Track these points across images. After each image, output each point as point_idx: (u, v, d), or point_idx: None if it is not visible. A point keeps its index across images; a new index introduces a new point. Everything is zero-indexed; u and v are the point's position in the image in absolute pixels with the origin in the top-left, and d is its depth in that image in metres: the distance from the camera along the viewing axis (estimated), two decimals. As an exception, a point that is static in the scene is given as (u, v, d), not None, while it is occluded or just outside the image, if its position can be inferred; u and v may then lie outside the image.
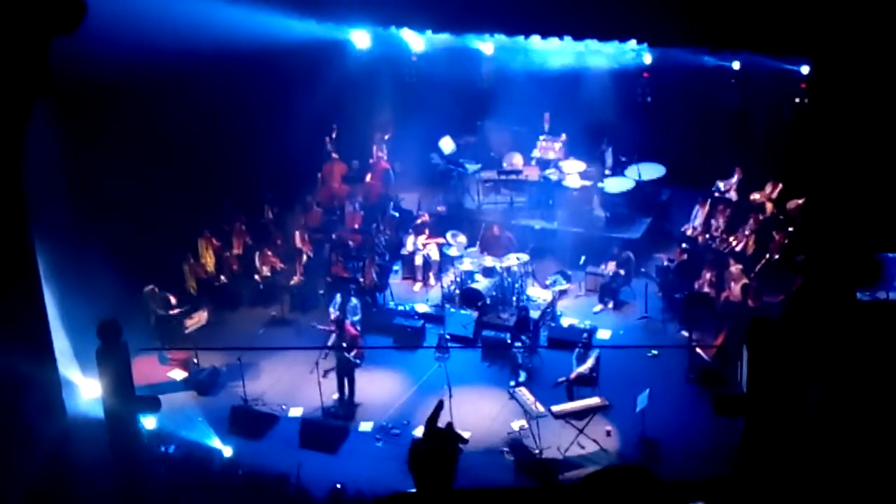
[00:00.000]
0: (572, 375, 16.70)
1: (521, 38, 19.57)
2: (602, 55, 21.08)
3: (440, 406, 4.89)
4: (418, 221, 21.18)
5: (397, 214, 21.74)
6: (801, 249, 18.03)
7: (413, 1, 17.68)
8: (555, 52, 21.10)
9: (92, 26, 16.14)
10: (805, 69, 19.40)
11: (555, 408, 16.19)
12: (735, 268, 18.40)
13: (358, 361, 17.26)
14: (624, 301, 19.54)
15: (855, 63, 14.05)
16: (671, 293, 19.11)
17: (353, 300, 18.73)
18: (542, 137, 22.22)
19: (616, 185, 21.29)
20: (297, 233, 20.62)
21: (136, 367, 17.47)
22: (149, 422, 16.08)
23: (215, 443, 16.09)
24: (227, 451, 15.94)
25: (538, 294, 19.45)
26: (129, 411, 11.52)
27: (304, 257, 20.29)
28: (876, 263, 14.44)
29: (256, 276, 20.03)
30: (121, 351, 11.20)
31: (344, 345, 17.05)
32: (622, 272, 19.48)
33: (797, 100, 19.88)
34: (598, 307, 19.32)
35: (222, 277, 19.92)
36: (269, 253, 20.21)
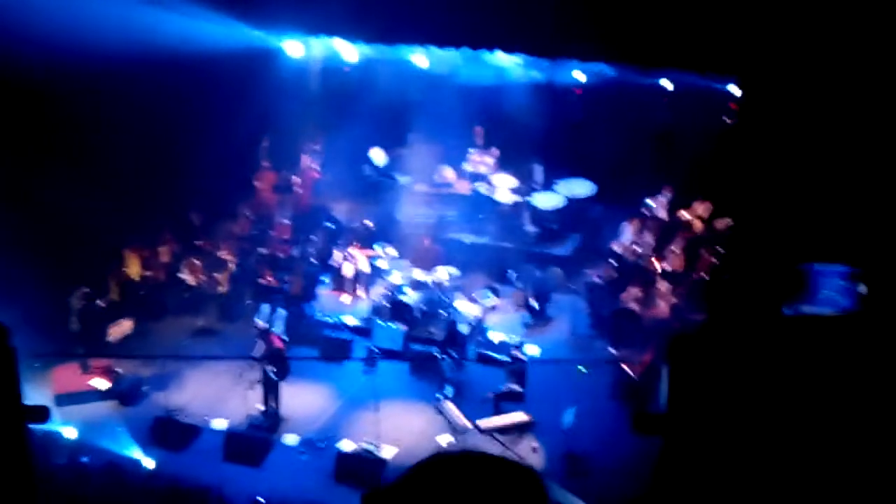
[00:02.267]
0: (500, 391, 16.68)
1: (452, 50, 19.55)
2: (534, 70, 21.17)
3: None
4: (356, 226, 21.06)
5: (332, 226, 21.61)
6: (727, 268, 18.22)
7: (344, 11, 17.59)
8: (489, 66, 21.18)
9: (23, 26, 15.99)
10: (734, 89, 19.65)
11: (481, 422, 16.16)
12: (663, 285, 18.54)
13: (280, 376, 17.06)
14: (550, 317, 19.59)
15: (778, 81, 14.26)
16: (600, 310, 19.20)
17: (281, 310, 18.55)
18: (473, 151, 22.23)
19: (546, 200, 21.36)
20: (225, 242, 20.38)
21: (57, 376, 17.41)
22: (69, 432, 15.85)
23: (137, 454, 15.83)
24: (149, 463, 15.69)
25: (467, 308, 19.43)
26: (16, 420, 11.08)
27: (232, 266, 20.07)
28: (800, 275, 14.63)
29: (184, 284, 19.75)
30: (9, 356, 10.73)
31: (269, 356, 16.89)
32: (534, 304, 19.47)
33: (726, 119, 20.11)
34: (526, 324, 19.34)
35: (146, 286, 19.63)
36: (196, 262, 19.95)
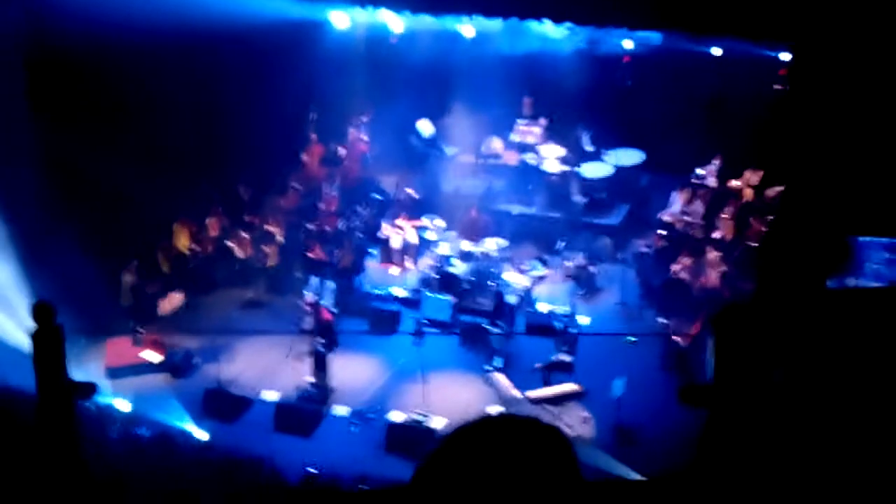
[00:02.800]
0: (550, 361, 16.64)
1: (499, 20, 19.38)
2: (582, 39, 20.98)
3: None
4: (401, 197, 21.07)
5: (380, 197, 21.61)
6: (775, 237, 17.98)
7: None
8: (536, 35, 21.02)
9: (73, 5, 16.13)
10: (784, 56, 19.38)
11: (530, 393, 16.14)
12: (713, 255, 18.37)
13: (329, 348, 17.12)
14: (600, 288, 19.49)
15: (833, 50, 14.02)
16: (649, 280, 19.08)
17: (329, 283, 18.61)
18: (521, 121, 22.11)
19: (594, 170, 21.22)
20: (273, 215, 20.45)
21: (109, 349, 17.59)
22: (122, 404, 16.02)
23: (189, 426, 15.97)
24: (202, 435, 15.83)
25: (515, 279, 19.37)
26: (63, 396, 11.17)
27: (280, 239, 20.13)
28: (846, 247, 14.42)
29: (233, 257, 19.87)
30: (55, 334, 10.82)
31: (318, 328, 16.96)
32: (591, 268, 19.38)
33: (777, 87, 19.84)
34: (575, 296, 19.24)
35: (195, 260, 19.77)
36: (244, 235, 20.04)
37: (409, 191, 21.24)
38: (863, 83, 14.17)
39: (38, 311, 10.48)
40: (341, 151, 22.30)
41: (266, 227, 20.25)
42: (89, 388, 11.18)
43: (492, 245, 19.57)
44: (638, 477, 14.33)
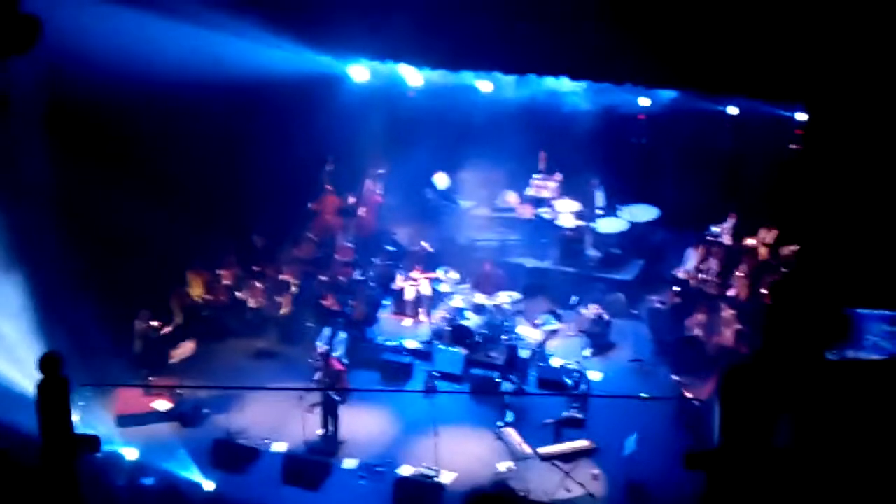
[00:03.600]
0: (561, 417, 16.54)
1: (515, 77, 19.47)
2: (599, 95, 21.05)
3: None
4: (416, 249, 21.09)
5: (393, 248, 21.65)
6: (783, 297, 17.90)
7: (411, 37, 17.63)
8: (553, 91, 21.13)
9: (98, 50, 16.34)
10: (800, 116, 19.41)
11: (541, 449, 16.03)
12: (727, 313, 18.30)
13: (341, 399, 17.07)
14: (611, 343, 19.41)
15: (848, 111, 14.03)
16: (663, 336, 19.00)
17: (342, 334, 18.58)
18: (536, 176, 22.16)
19: (609, 225, 21.22)
20: (288, 265, 20.48)
21: (120, 397, 17.57)
22: (130, 452, 15.96)
23: (197, 476, 15.89)
24: (209, 485, 15.75)
25: (528, 333, 19.31)
26: (66, 449, 11.05)
27: (294, 289, 20.15)
28: (845, 319, 14.33)
29: (246, 306, 19.89)
30: (61, 385, 10.75)
31: (328, 380, 16.92)
32: (605, 316, 19.34)
33: (792, 146, 19.86)
34: (588, 351, 19.14)
35: (208, 308, 19.78)
36: (258, 284, 20.07)
37: (424, 244, 21.25)
38: (878, 145, 14.16)
39: (45, 362, 10.43)
40: (354, 201, 22.34)
41: (280, 276, 20.27)
42: (93, 442, 11.07)
43: (505, 298, 19.54)
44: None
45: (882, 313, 15.27)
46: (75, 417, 11.02)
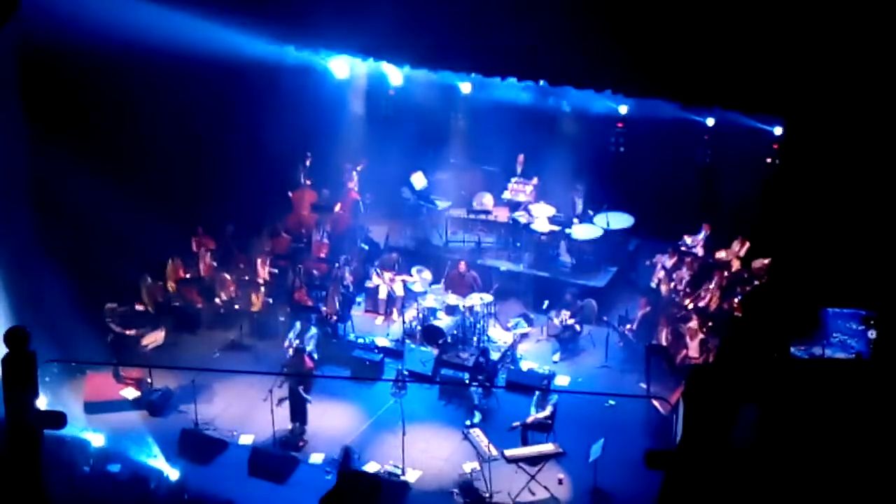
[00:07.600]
0: (528, 420, 16.60)
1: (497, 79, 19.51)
2: (578, 101, 21.13)
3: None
4: (390, 248, 21.10)
5: (366, 247, 21.66)
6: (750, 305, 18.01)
7: (393, 35, 17.64)
8: (532, 94, 21.22)
9: (75, 34, 16.29)
10: (777, 130, 19.55)
11: (508, 452, 16.08)
12: (693, 323, 18.39)
13: (309, 398, 17.08)
14: (581, 349, 19.49)
15: (826, 127, 14.14)
16: (632, 344, 19.08)
17: (313, 329, 18.58)
18: (514, 179, 22.21)
19: (584, 231, 21.28)
20: (261, 258, 20.45)
21: (89, 383, 17.55)
22: (97, 439, 15.92)
23: (162, 465, 15.87)
24: (174, 475, 15.72)
25: (499, 336, 19.37)
26: (31, 425, 10.96)
27: (267, 283, 20.13)
28: (814, 317, 14.43)
29: (217, 300, 19.86)
30: (27, 360, 10.64)
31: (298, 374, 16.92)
32: (575, 324, 19.40)
33: (768, 160, 19.99)
34: (557, 356, 19.23)
35: (180, 298, 19.75)
36: (230, 277, 20.04)
37: (394, 255, 21.26)
38: (855, 162, 14.25)
39: (10, 337, 10.34)
40: (332, 199, 22.32)
41: (253, 269, 20.25)
42: (58, 418, 10.99)
43: (477, 300, 19.58)
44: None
45: (851, 311, 15.38)
46: (43, 398, 10.97)
